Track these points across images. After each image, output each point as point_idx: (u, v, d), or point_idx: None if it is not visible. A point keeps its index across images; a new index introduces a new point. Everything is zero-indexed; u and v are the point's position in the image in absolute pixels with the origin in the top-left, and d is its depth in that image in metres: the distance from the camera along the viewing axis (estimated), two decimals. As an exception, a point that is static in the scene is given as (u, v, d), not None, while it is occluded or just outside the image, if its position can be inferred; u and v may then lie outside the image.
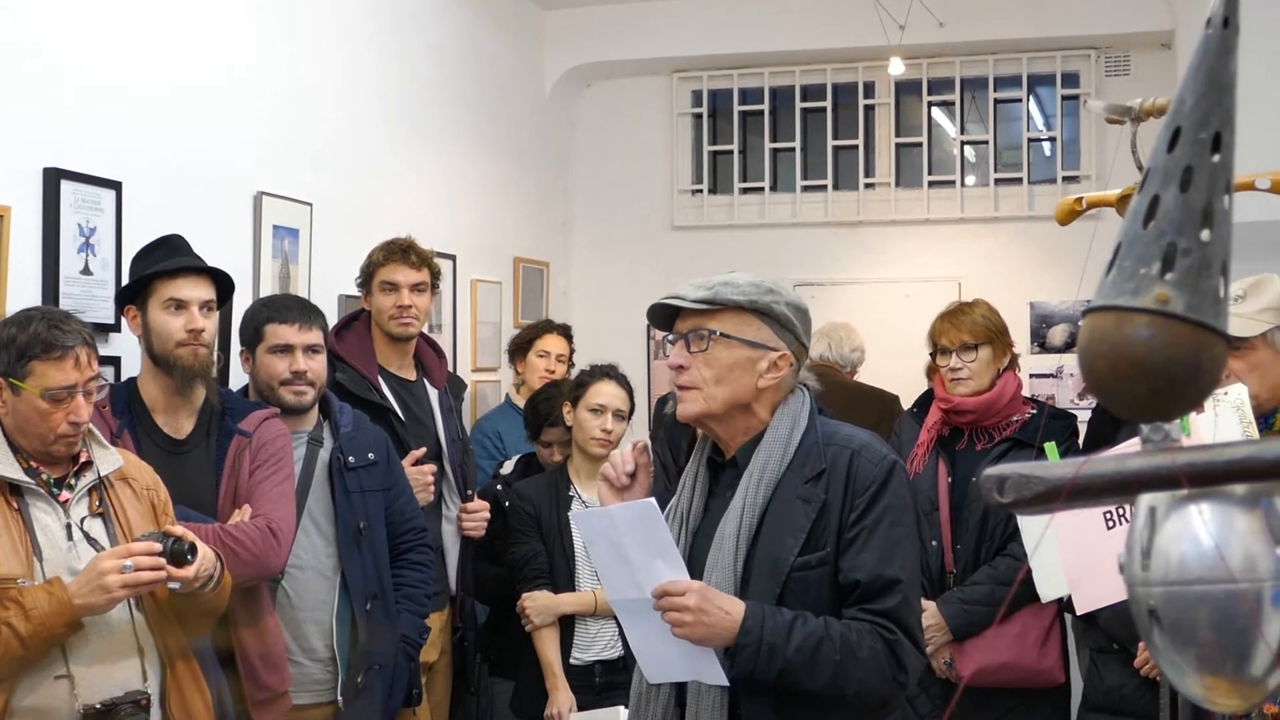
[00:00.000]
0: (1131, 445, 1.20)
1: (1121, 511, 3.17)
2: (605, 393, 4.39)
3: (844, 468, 2.58)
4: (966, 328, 4.20)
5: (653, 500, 2.51)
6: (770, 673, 2.47)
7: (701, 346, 2.61)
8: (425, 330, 4.57)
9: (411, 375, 4.49)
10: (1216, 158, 1.06)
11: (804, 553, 2.53)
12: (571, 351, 5.60)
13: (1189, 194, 1.06)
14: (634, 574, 2.51)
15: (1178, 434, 1.08)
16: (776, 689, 2.50)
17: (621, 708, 3.99)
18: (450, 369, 4.84)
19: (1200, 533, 1.08)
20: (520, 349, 5.59)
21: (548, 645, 4.30)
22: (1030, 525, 3.72)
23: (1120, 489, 1.09)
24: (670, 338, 2.69)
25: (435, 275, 4.49)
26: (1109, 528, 3.23)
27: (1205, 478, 1.05)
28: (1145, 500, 1.11)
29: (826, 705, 2.53)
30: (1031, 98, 7.12)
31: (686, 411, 2.65)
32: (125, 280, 3.61)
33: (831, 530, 2.55)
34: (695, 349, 2.61)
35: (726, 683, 2.47)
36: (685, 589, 2.45)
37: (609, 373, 4.48)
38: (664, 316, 2.70)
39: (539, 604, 4.30)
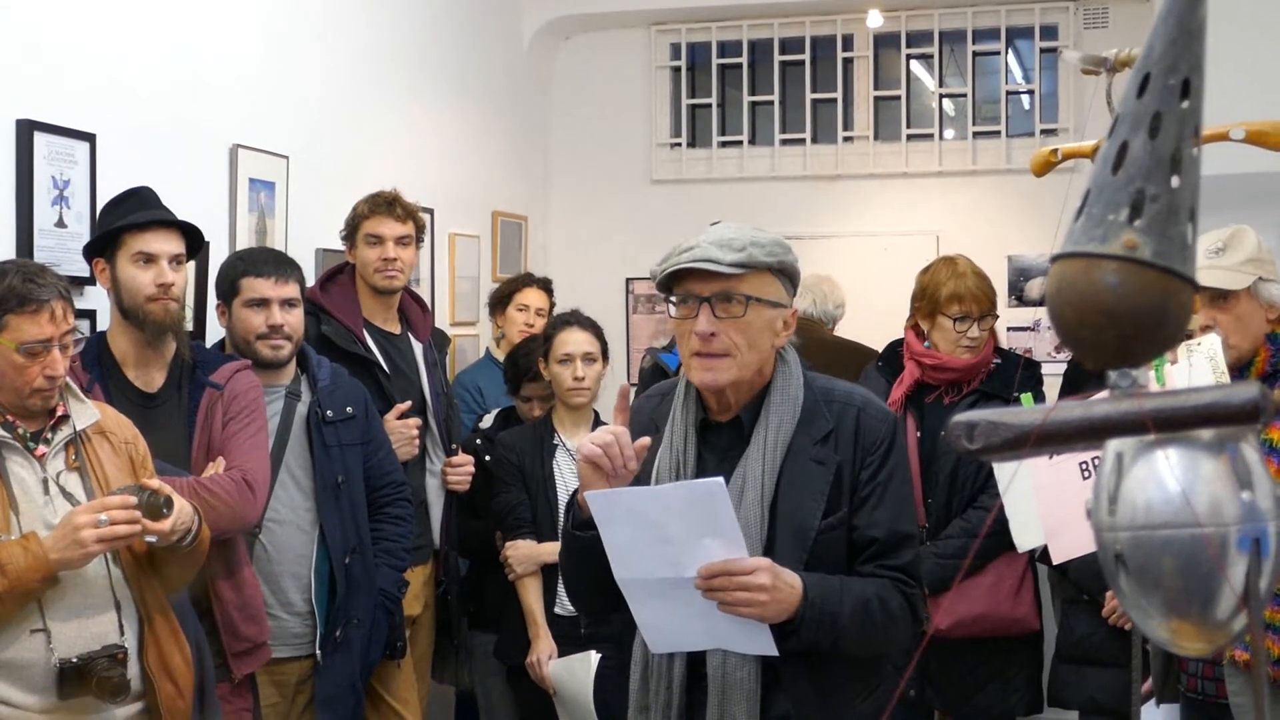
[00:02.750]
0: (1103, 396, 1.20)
1: (1097, 462, 3.19)
2: (570, 341, 4.38)
3: (851, 426, 2.57)
4: (987, 295, 4.21)
5: (720, 480, 2.36)
6: (830, 640, 2.46)
7: (736, 312, 2.50)
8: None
9: (396, 329, 4.47)
10: (1185, 104, 1.06)
11: (825, 515, 2.53)
12: (551, 305, 5.57)
13: (1158, 140, 1.06)
14: (674, 554, 2.39)
15: (1145, 380, 1.09)
16: (813, 654, 2.49)
17: (593, 652, 4.01)
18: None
19: (1167, 478, 1.09)
20: (499, 303, 5.56)
21: (530, 594, 4.32)
22: (1005, 473, 3.75)
23: (1088, 434, 1.09)
24: (676, 299, 2.56)
25: (420, 228, 4.47)
26: (1085, 478, 3.25)
27: (1172, 423, 1.06)
28: (1113, 446, 1.11)
29: (851, 663, 2.56)
30: (1010, 50, 7.09)
31: (719, 380, 2.53)
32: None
33: (846, 490, 2.56)
34: (724, 314, 2.50)
35: (776, 651, 2.44)
36: (754, 567, 2.38)
37: (570, 320, 4.47)
38: (669, 274, 2.56)
39: (521, 553, 4.31)
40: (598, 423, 4.51)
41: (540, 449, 4.38)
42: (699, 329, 2.50)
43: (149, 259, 3.36)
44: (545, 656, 4.23)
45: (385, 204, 4.36)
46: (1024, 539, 3.91)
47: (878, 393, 4.28)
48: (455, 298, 6.16)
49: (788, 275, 2.59)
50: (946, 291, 4.23)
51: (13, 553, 2.67)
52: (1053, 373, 4.77)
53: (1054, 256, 1.09)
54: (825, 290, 5.68)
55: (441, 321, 5.85)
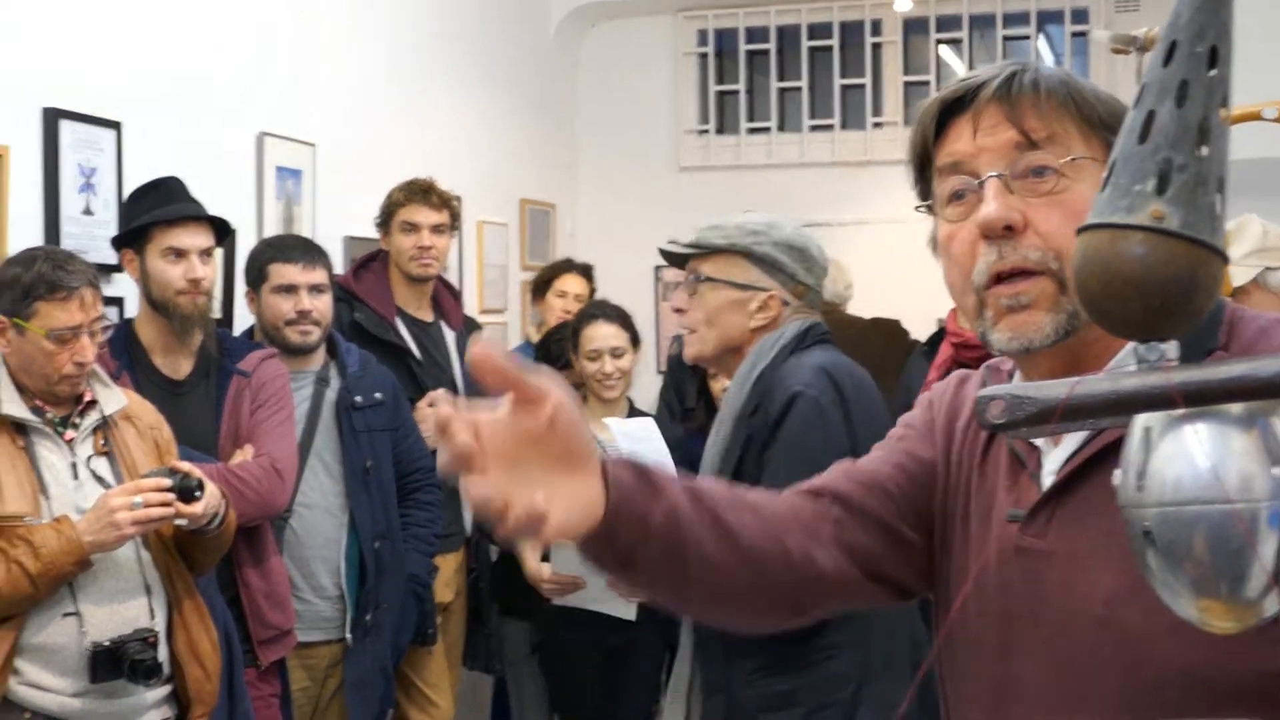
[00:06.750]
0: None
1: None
2: (597, 336, 4.33)
3: (768, 401, 2.64)
4: None
5: (650, 418, 2.66)
6: None
7: (694, 290, 2.72)
8: (436, 272, 4.55)
9: (429, 317, 4.48)
10: (1213, 72, 1.04)
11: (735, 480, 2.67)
12: (592, 291, 5.52)
13: (1185, 109, 1.04)
14: None
15: (1173, 353, 1.07)
16: None
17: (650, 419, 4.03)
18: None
19: (1196, 453, 1.07)
20: (539, 289, 5.53)
21: (528, 554, 4.21)
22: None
23: (1115, 408, 1.07)
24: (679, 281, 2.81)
25: (455, 216, 4.47)
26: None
27: (1201, 396, 1.04)
28: (1140, 420, 1.10)
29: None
30: (1040, 35, 7.05)
31: (687, 353, 2.80)
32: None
33: (754, 463, 2.61)
34: (690, 292, 2.73)
35: None
36: None
37: (597, 313, 4.41)
38: (682, 259, 2.81)
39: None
40: (632, 411, 4.49)
41: None
42: (672, 304, 2.83)
43: (179, 254, 3.37)
44: (534, 563, 4.06)
45: (421, 192, 4.36)
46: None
47: (920, 375, 4.27)
48: (483, 285, 6.17)
49: (757, 258, 2.70)
50: None
51: (45, 536, 2.69)
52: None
53: (1080, 228, 1.08)
54: (834, 274, 5.65)
55: (469, 309, 5.85)
